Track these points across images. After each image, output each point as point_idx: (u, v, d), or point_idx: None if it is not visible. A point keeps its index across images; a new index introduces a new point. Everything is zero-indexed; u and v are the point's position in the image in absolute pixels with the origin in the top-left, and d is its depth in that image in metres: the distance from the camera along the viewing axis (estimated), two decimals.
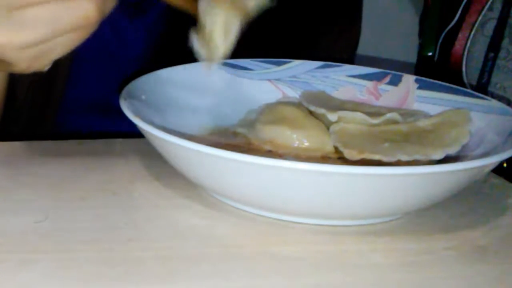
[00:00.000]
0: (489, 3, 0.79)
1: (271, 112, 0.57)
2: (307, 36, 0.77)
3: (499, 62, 0.77)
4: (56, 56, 0.45)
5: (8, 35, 0.42)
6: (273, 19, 0.74)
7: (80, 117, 0.70)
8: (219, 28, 0.46)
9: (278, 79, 0.62)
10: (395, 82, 0.61)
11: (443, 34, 0.84)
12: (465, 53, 0.80)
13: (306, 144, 0.54)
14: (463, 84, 0.81)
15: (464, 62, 0.80)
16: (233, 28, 0.46)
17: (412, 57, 0.97)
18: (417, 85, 0.60)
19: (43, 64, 0.45)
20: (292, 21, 0.76)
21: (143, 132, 0.45)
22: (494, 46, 0.78)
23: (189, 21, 0.71)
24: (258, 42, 0.72)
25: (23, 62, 0.44)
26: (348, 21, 0.81)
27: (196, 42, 0.47)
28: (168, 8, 0.71)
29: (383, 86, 0.61)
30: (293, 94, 0.61)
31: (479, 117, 0.53)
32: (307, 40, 0.77)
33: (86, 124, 0.70)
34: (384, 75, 0.62)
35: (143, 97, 0.52)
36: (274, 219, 0.45)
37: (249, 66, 0.61)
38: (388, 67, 0.63)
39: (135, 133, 0.47)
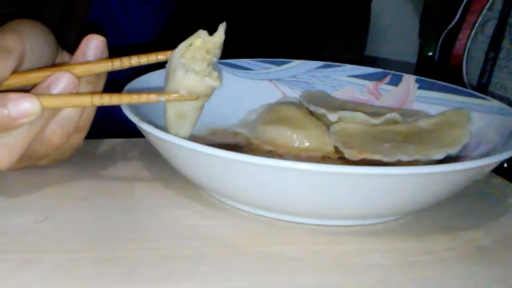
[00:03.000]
0: (489, 3, 0.79)
1: (271, 112, 0.57)
2: (313, 40, 0.77)
3: (500, 62, 0.77)
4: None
5: None
6: (280, 21, 0.74)
7: None
8: (170, 122, 0.46)
9: (278, 79, 0.62)
10: (395, 82, 0.61)
11: (443, 34, 0.84)
12: (466, 53, 0.80)
13: (307, 144, 0.54)
14: (463, 84, 0.80)
15: (464, 62, 0.80)
16: (186, 120, 0.46)
17: (413, 57, 0.97)
18: (417, 85, 0.60)
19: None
20: (299, 23, 0.77)
21: (143, 132, 0.45)
22: (495, 46, 0.78)
23: (198, 4, 0.71)
24: (262, 42, 0.72)
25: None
26: (355, 28, 0.81)
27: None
28: (175, 7, 0.71)
29: (383, 86, 0.61)
30: (293, 94, 0.61)
31: (479, 117, 0.53)
32: (314, 44, 0.77)
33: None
34: (385, 75, 0.62)
35: None
36: (274, 219, 0.45)
37: (249, 66, 0.61)
38: (389, 67, 0.63)
39: (135, 133, 0.47)
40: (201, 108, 0.46)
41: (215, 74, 0.44)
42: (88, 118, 0.47)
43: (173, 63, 0.44)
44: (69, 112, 0.45)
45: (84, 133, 0.48)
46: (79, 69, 0.45)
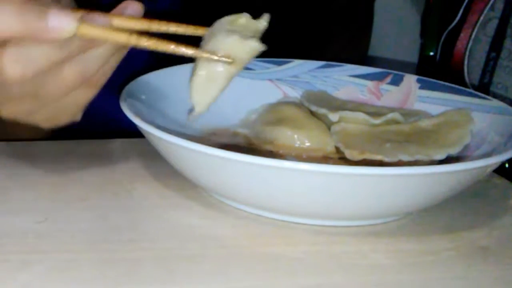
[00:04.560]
0: (490, 2, 0.79)
1: (272, 112, 0.57)
2: (316, 40, 0.77)
3: (501, 62, 0.77)
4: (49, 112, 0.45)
5: None
6: (282, 21, 0.74)
7: (89, 111, 0.70)
8: (197, 83, 0.45)
9: (279, 79, 0.62)
10: (396, 82, 0.61)
11: (444, 34, 0.83)
12: (467, 53, 0.80)
13: (307, 144, 0.54)
14: (464, 84, 0.80)
15: (465, 62, 0.80)
16: (214, 85, 0.45)
17: (414, 57, 0.97)
18: (418, 85, 0.59)
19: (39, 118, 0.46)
20: (302, 23, 0.76)
21: (143, 132, 0.45)
22: (496, 46, 0.78)
23: (203, 9, 0.71)
24: (264, 42, 0.72)
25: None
26: (359, 29, 0.81)
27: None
28: (175, 7, 0.71)
29: (384, 86, 0.61)
30: (294, 94, 0.61)
31: (480, 117, 0.53)
32: (317, 44, 0.77)
33: (94, 120, 0.69)
34: (386, 74, 0.61)
35: (143, 97, 0.52)
36: (275, 219, 0.44)
37: (250, 66, 0.61)
38: (390, 67, 0.63)
39: (135, 133, 0.47)
40: (231, 78, 0.44)
41: (258, 41, 0.43)
42: (104, 74, 0.45)
43: (216, 28, 0.44)
44: (92, 57, 0.43)
45: (93, 91, 0.46)
46: (117, 20, 0.43)
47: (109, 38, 0.42)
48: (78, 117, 0.48)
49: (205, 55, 0.43)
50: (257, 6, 0.71)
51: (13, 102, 0.44)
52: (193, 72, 0.45)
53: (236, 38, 0.43)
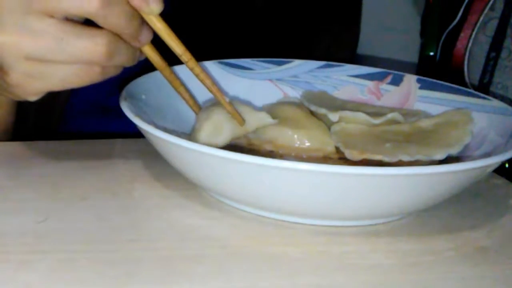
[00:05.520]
0: (490, 2, 0.79)
1: (272, 112, 0.57)
2: (306, 36, 0.77)
3: (501, 62, 0.77)
4: (50, 86, 0.44)
5: (14, 38, 0.42)
6: (272, 19, 0.74)
7: (83, 118, 0.70)
8: (209, 126, 0.50)
9: (279, 79, 0.62)
10: (396, 82, 0.61)
11: (444, 34, 0.83)
12: (467, 52, 0.80)
13: (307, 144, 0.54)
14: (464, 84, 0.80)
15: (465, 62, 0.80)
16: (221, 136, 0.51)
17: (414, 57, 0.97)
18: (418, 85, 0.59)
19: (35, 88, 0.44)
20: (291, 21, 0.76)
21: (143, 132, 0.45)
22: (496, 45, 0.78)
23: (195, 21, 0.71)
24: (257, 41, 0.72)
25: (17, 73, 0.43)
26: (347, 21, 0.81)
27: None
28: (174, 7, 0.71)
29: (384, 86, 0.61)
30: (294, 94, 0.61)
31: (481, 117, 0.53)
32: (306, 40, 0.77)
33: (89, 125, 0.70)
34: (386, 74, 0.61)
35: (143, 97, 0.52)
36: (275, 219, 0.44)
37: (250, 66, 0.61)
38: (390, 67, 0.63)
39: (135, 133, 0.47)
40: (232, 138, 0.51)
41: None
42: (107, 74, 0.45)
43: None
44: (125, 47, 0.45)
45: (87, 80, 0.44)
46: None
47: (169, 41, 0.47)
48: (37, 96, 0.46)
49: (227, 103, 0.50)
50: (243, 6, 0.71)
51: (30, 36, 0.42)
52: (208, 112, 0.51)
53: (251, 108, 0.52)
